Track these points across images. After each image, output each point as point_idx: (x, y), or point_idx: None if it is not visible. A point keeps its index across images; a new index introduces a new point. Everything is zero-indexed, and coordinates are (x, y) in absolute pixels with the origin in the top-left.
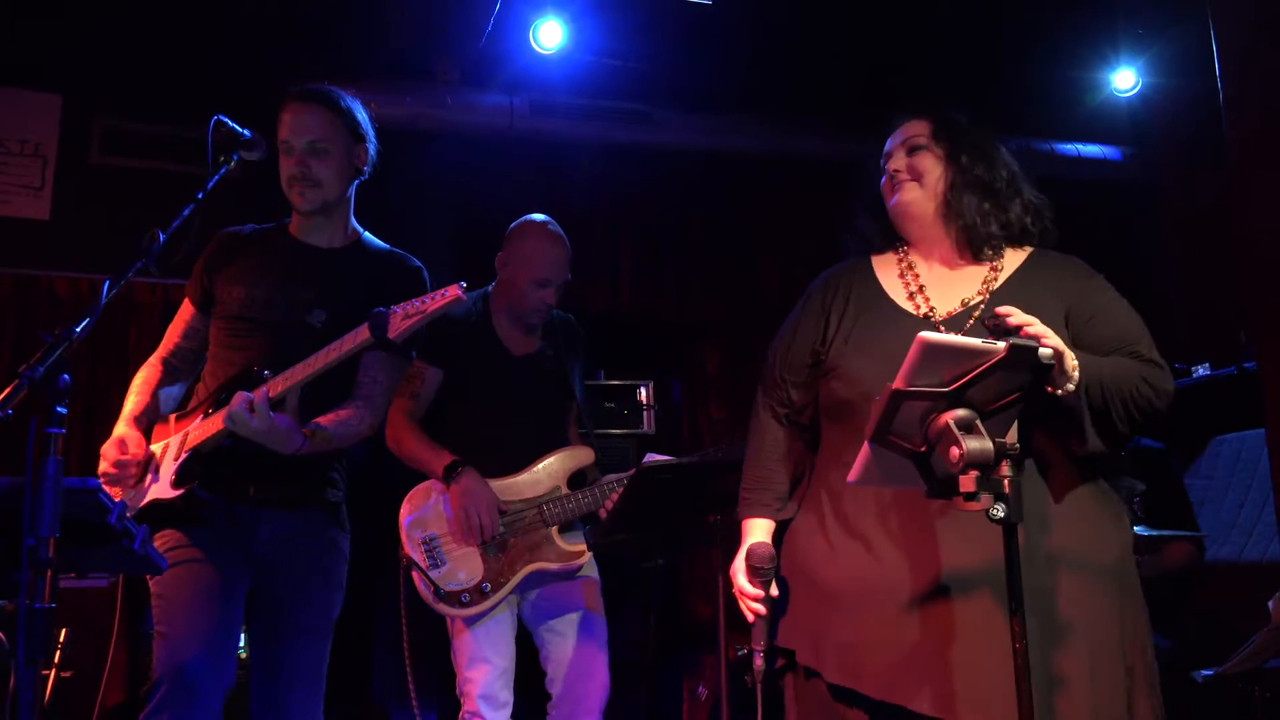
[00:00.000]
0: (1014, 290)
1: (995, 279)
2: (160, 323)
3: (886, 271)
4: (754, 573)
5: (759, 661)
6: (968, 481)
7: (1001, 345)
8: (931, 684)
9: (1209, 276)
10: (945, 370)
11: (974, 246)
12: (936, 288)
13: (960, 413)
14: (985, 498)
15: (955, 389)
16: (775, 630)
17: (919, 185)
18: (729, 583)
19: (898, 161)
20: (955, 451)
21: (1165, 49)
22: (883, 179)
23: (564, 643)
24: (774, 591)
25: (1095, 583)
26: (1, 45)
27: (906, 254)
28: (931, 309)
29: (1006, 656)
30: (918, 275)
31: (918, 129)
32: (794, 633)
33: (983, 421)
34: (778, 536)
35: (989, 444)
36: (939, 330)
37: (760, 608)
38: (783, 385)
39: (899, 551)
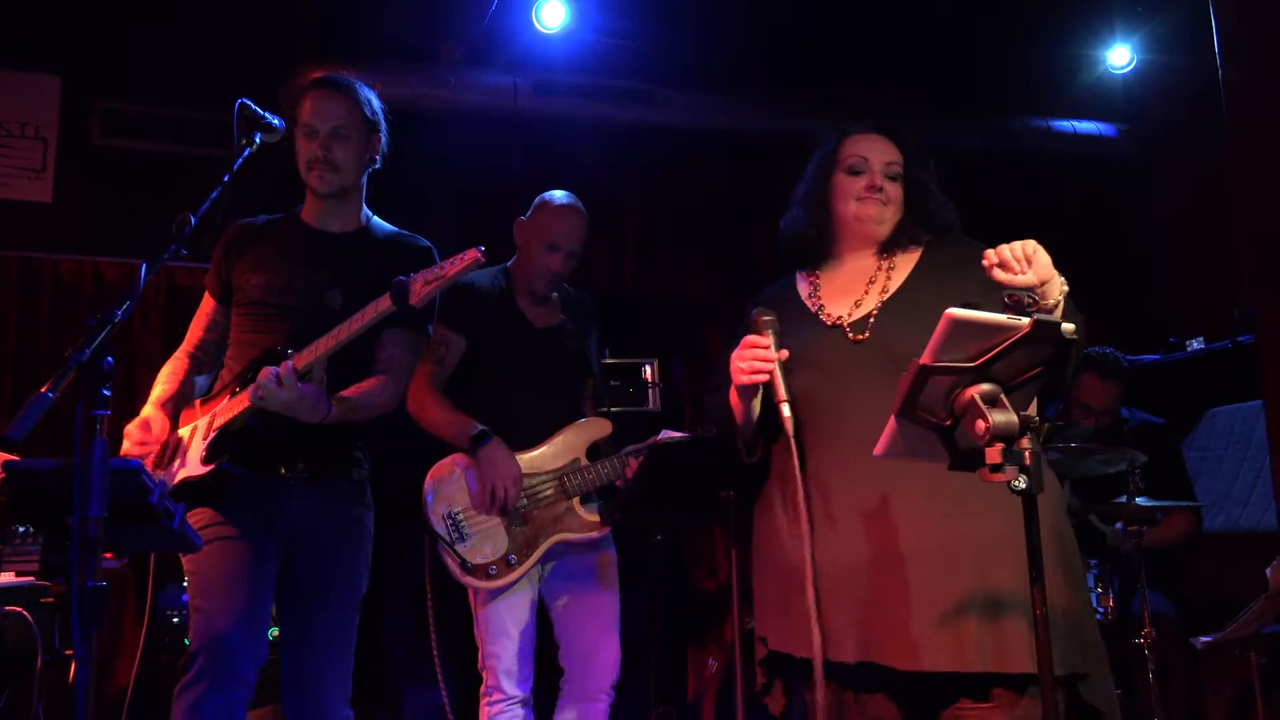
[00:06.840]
0: (909, 292)
1: (889, 283)
2: (166, 306)
3: (804, 284)
4: (760, 327)
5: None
6: (994, 454)
7: (1025, 321)
8: (895, 638)
9: (1203, 251)
10: (970, 346)
11: (883, 251)
12: (831, 289)
13: (985, 387)
14: (1010, 469)
15: (981, 364)
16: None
17: (889, 208)
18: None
19: (880, 180)
20: (981, 425)
21: (1160, 26)
22: (841, 175)
23: (577, 619)
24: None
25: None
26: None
27: (822, 266)
28: (829, 314)
29: (941, 605)
30: (820, 284)
31: (893, 154)
32: (765, 620)
33: (1006, 395)
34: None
35: (1014, 417)
36: (845, 332)
37: (774, 354)
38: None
39: (853, 528)
